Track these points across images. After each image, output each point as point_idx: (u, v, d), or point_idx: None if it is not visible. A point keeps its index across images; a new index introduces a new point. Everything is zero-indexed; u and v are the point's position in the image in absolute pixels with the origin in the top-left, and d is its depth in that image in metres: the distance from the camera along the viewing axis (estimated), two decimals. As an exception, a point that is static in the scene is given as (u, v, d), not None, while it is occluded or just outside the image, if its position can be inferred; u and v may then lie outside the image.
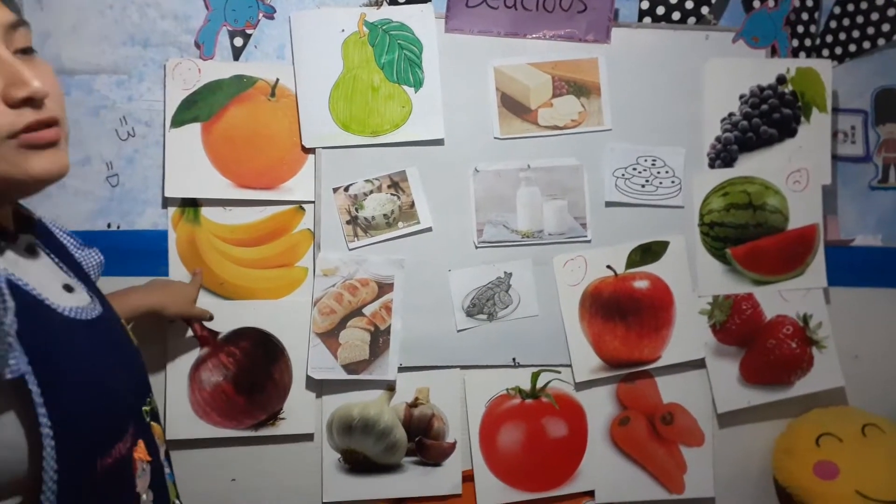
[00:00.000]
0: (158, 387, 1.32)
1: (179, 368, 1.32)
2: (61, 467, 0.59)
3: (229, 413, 1.33)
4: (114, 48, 1.31)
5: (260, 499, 1.37)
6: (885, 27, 1.49)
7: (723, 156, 1.45)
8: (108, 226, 1.32)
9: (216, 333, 1.33)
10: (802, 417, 1.47)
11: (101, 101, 1.32)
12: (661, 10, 1.42)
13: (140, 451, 0.72)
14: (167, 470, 0.82)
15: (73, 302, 0.71)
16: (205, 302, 1.32)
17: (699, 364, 1.45)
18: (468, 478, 1.39)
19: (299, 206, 1.35)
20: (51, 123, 0.66)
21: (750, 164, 1.45)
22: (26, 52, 0.67)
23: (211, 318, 1.31)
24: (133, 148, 1.33)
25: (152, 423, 0.79)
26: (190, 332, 1.31)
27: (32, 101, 0.64)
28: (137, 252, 1.32)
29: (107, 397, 0.68)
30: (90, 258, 0.89)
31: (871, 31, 1.49)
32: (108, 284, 1.29)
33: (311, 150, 1.34)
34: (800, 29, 1.47)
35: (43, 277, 0.70)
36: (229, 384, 1.32)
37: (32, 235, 0.73)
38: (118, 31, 1.31)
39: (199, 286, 1.31)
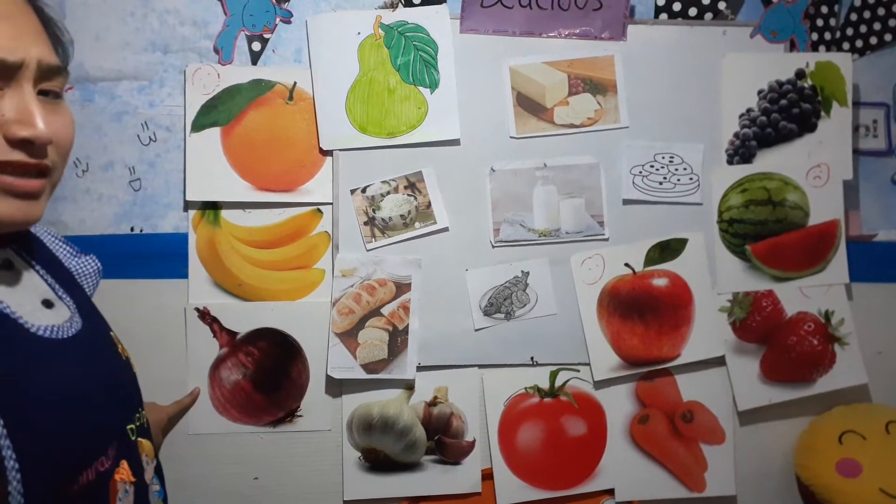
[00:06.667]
0: (180, 383, 1.35)
1: (200, 365, 1.35)
2: (28, 492, 0.57)
3: (248, 410, 1.36)
4: (135, 55, 1.34)
5: (282, 497, 1.38)
6: (908, 19, 1.47)
7: (741, 152, 1.43)
8: (132, 229, 1.35)
9: (234, 333, 1.35)
10: (825, 415, 1.45)
11: (123, 106, 1.34)
12: (677, 6, 1.42)
13: (123, 472, 0.69)
14: (156, 488, 0.79)
15: (49, 319, 0.68)
16: (223, 303, 1.35)
17: (719, 362, 1.44)
18: (488, 476, 1.40)
19: (317, 208, 1.37)
20: (42, 172, 0.64)
21: (769, 160, 1.44)
22: (56, 96, 0.66)
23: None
24: (155, 153, 1.35)
25: (140, 439, 0.76)
26: (210, 332, 1.34)
27: (31, 144, 0.62)
28: (159, 255, 1.34)
29: (80, 419, 0.65)
30: (86, 266, 0.85)
31: (892, 22, 1.47)
32: (131, 287, 1.34)
33: (329, 153, 1.36)
34: (819, 22, 1.45)
35: (19, 294, 0.68)
36: (248, 382, 1.35)
37: (11, 249, 0.71)
38: (139, 38, 1.34)
39: (179, 409, 1.28)
